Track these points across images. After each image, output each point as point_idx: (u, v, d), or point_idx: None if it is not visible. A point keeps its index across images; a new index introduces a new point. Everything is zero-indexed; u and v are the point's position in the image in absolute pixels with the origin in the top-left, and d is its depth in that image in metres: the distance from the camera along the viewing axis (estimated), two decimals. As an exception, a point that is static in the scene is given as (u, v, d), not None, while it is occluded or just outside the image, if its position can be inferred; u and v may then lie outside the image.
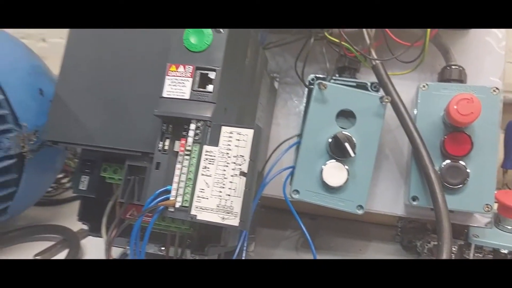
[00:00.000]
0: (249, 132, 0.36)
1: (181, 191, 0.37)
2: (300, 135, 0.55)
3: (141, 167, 0.42)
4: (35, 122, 0.54)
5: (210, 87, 0.38)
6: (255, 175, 0.37)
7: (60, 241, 0.60)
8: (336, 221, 0.73)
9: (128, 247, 0.48)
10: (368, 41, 0.54)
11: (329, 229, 0.71)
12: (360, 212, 0.52)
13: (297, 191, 0.53)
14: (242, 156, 0.36)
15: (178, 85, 0.39)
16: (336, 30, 0.54)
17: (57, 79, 0.44)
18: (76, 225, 0.62)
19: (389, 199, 0.58)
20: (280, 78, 0.64)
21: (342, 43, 0.54)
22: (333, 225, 0.72)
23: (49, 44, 0.88)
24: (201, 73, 0.39)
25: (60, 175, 0.79)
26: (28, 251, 0.57)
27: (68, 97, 0.43)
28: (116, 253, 0.55)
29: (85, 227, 0.48)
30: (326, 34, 0.56)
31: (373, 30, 0.54)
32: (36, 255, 0.56)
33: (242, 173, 0.35)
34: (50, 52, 0.84)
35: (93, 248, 0.59)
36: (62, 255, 0.58)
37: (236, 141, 0.37)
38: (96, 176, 0.46)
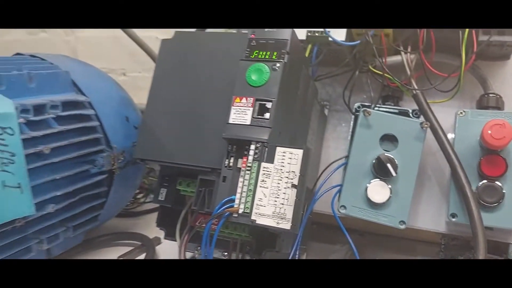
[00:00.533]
0: (300, 152, 0.44)
1: (243, 200, 0.45)
2: (347, 157, 0.61)
3: (210, 181, 0.50)
4: (122, 144, 0.65)
5: (267, 115, 0.47)
6: (304, 188, 0.44)
7: (139, 246, 0.70)
8: (382, 238, 0.77)
9: (196, 252, 0.56)
10: (408, 73, 0.60)
11: (376, 245, 0.76)
12: (402, 227, 0.58)
13: (344, 207, 0.59)
14: (294, 171, 0.44)
15: (241, 113, 0.47)
16: (379, 63, 0.61)
17: (144, 107, 0.55)
18: (151, 234, 0.72)
19: (432, 217, 0.63)
20: (330, 105, 0.72)
21: (385, 74, 0.61)
22: (380, 242, 0.77)
23: (128, 78, 1.02)
24: (260, 103, 0.47)
25: (137, 191, 0.90)
26: (112, 254, 0.68)
27: (153, 122, 0.53)
28: (186, 257, 0.64)
29: (159, 235, 0.58)
30: (370, 67, 0.63)
31: (413, 62, 0.61)
32: (120, 256, 0.66)
33: (293, 186, 0.43)
34: (130, 84, 0.98)
35: (166, 253, 0.69)
36: (140, 258, 0.68)
37: (288, 159, 0.44)
38: (172, 188, 0.55)
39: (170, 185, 0.55)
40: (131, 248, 0.70)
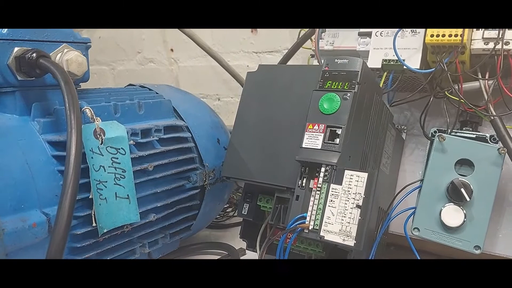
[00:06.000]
0: (364, 175, 0.48)
1: (313, 217, 0.50)
2: (422, 180, 0.63)
3: (285, 198, 0.56)
4: (213, 163, 0.73)
5: (337, 140, 0.51)
6: (368, 208, 0.48)
7: (225, 256, 0.78)
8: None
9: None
10: (486, 98, 0.61)
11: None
12: (477, 252, 0.58)
13: (417, 229, 0.61)
14: (359, 193, 0.48)
15: (313, 138, 0.53)
16: (455, 89, 0.63)
17: (231, 131, 0.62)
18: (237, 245, 0.79)
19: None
20: (407, 129, 0.74)
21: (461, 101, 0.62)
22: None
23: (222, 102, 1.12)
24: (330, 129, 0.52)
25: (226, 205, 0.99)
26: (202, 260, 0.76)
27: (238, 145, 0.60)
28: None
29: (243, 245, 0.64)
30: (446, 93, 0.64)
31: (491, 88, 0.61)
32: (208, 263, 0.74)
33: (358, 206, 0.47)
34: (223, 108, 1.08)
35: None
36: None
37: (355, 181, 0.48)
38: (254, 204, 0.62)
39: (252, 201, 0.62)
40: (218, 257, 0.78)
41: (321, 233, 0.49)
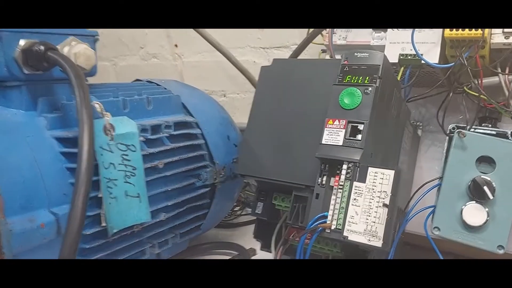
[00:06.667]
0: (391, 173, 0.46)
1: (335, 216, 0.48)
2: (441, 178, 0.61)
3: (304, 197, 0.54)
4: (223, 160, 0.71)
5: (359, 136, 0.49)
6: (395, 207, 0.46)
7: (235, 256, 0.76)
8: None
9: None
10: (507, 94, 0.59)
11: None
12: (500, 251, 0.56)
13: (438, 228, 0.59)
14: (385, 191, 0.46)
15: (334, 134, 0.51)
16: (474, 84, 0.61)
17: (245, 127, 0.60)
18: (246, 245, 0.77)
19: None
20: (423, 126, 0.72)
21: (481, 96, 0.60)
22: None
23: (228, 99, 1.10)
24: (352, 125, 0.50)
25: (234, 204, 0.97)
26: (212, 261, 0.74)
27: (253, 141, 0.58)
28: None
29: (254, 246, 0.62)
30: (465, 88, 0.63)
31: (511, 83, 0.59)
32: (218, 264, 0.72)
33: (385, 205, 0.45)
34: (229, 105, 1.05)
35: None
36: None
37: (380, 179, 0.46)
38: (268, 203, 0.60)
39: (266, 200, 0.60)
40: (228, 257, 0.76)
41: (345, 233, 0.47)
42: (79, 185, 0.44)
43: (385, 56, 0.52)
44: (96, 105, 0.55)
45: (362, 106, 0.50)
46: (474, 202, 0.57)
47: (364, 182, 0.47)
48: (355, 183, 0.48)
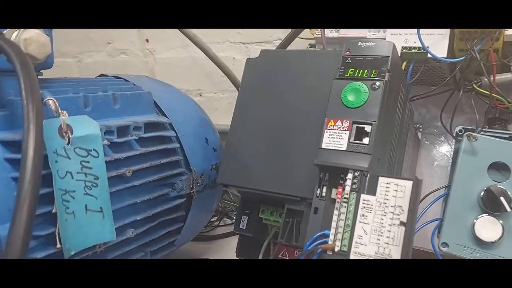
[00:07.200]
0: (407, 184, 0.38)
1: (339, 236, 0.40)
2: (448, 187, 0.55)
3: (298, 211, 0.46)
4: (201, 167, 0.63)
5: (366, 140, 0.42)
6: (414, 226, 0.38)
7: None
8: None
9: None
10: (522, 92, 0.53)
11: None
12: (517, 270, 0.49)
13: (446, 244, 0.52)
14: (400, 206, 0.38)
15: (336, 137, 0.43)
16: (487, 81, 0.54)
17: (227, 130, 0.52)
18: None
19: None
20: (423, 128, 0.65)
21: (493, 94, 0.54)
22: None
23: (204, 98, 1.01)
24: (357, 126, 0.42)
25: (211, 214, 0.88)
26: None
27: (237, 145, 0.50)
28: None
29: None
30: (474, 86, 0.56)
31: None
32: None
33: (402, 223, 0.37)
34: (206, 105, 0.97)
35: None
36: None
37: (393, 191, 0.39)
38: (254, 216, 0.52)
39: (251, 213, 0.52)
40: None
41: (351, 256, 0.39)
42: (21, 199, 0.35)
43: (394, 46, 0.44)
44: (50, 102, 0.46)
45: (369, 104, 0.42)
46: (487, 214, 0.51)
47: (374, 195, 0.40)
48: (363, 196, 0.40)
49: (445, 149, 0.62)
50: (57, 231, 0.45)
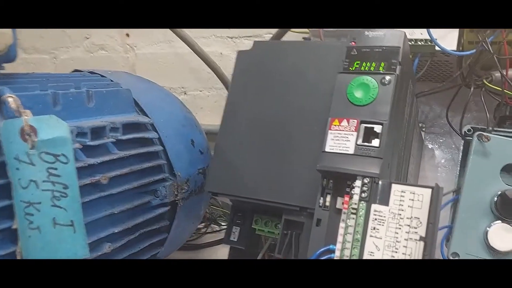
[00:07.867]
0: (426, 192, 0.33)
1: (346, 252, 0.35)
2: (457, 191, 0.50)
3: (298, 222, 0.41)
4: (186, 171, 0.57)
5: (375, 142, 0.37)
6: (435, 241, 0.33)
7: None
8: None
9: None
10: (537, 88, 0.49)
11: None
12: (535, 283, 0.45)
13: (456, 254, 0.48)
14: (418, 218, 0.33)
15: (341, 139, 0.38)
16: (497, 77, 0.50)
17: (216, 131, 0.46)
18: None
19: None
20: (426, 128, 0.61)
21: (505, 91, 0.50)
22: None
23: (189, 96, 0.95)
24: (365, 126, 0.37)
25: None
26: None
27: (228, 149, 0.45)
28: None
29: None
30: (485, 81, 0.52)
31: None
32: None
33: (421, 238, 0.32)
34: (191, 103, 0.91)
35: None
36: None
37: (409, 201, 0.34)
38: (246, 227, 0.46)
39: (244, 223, 0.47)
40: None
41: (362, 276, 0.34)
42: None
43: (405, 36, 0.39)
44: (10, 99, 0.40)
45: (379, 100, 0.37)
46: (500, 221, 0.47)
47: (387, 205, 0.35)
48: (374, 206, 0.35)
49: (451, 150, 0.58)
50: (18, 249, 0.39)
